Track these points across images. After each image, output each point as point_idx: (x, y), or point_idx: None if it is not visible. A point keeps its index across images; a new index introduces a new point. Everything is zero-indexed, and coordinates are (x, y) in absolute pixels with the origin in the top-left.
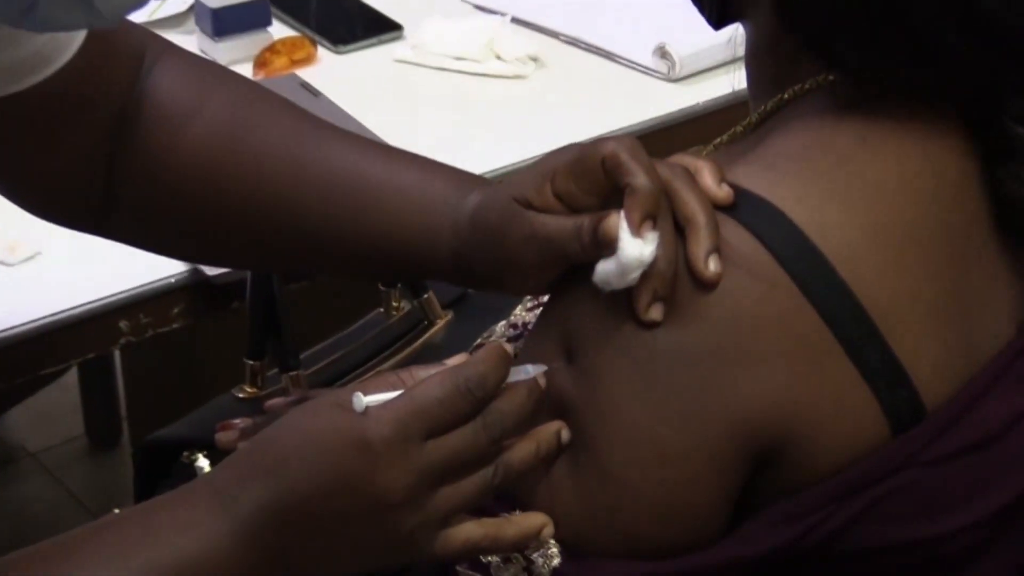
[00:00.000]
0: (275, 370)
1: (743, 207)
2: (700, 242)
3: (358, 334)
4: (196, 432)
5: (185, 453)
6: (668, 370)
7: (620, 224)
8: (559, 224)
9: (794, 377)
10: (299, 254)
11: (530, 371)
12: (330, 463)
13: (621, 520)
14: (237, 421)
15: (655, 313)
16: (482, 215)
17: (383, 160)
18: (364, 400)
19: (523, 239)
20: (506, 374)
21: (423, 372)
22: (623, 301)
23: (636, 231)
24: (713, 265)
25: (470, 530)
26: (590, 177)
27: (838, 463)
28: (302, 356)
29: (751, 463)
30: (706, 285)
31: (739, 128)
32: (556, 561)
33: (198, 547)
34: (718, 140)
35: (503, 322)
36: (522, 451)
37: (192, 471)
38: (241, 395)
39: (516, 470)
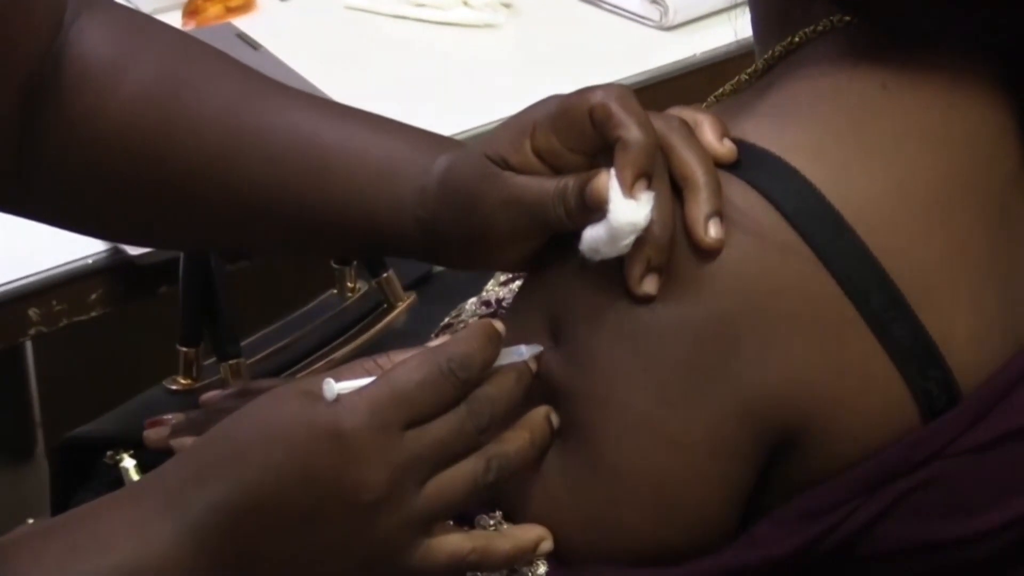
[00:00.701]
0: (212, 359)
1: (750, 164)
2: (700, 204)
3: (308, 318)
4: (121, 429)
5: (109, 453)
6: (668, 349)
7: (610, 184)
8: (540, 186)
9: (811, 356)
10: (243, 230)
11: (523, 352)
12: (296, 458)
13: (617, 519)
14: (168, 416)
15: (649, 286)
16: (452, 179)
17: (337, 121)
18: (336, 387)
19: (499, 204)
20: (495, 355)
21: (403, 356)
22: (615, 273)
23: (628, 191)
24: (714, 230)
25: (457, 543)
26: (575, 131)
27: (861, 453)
28: (243, 343)
29: (763, 453)
30: (707, 253)
31: (743, 77)
32: (543, 569)
33: (140, 553)
34: (719, 91)
35: (473, 299)
36: (516, 440)
37: (117, 473)
38: (173, 387)
39: (513, 463)
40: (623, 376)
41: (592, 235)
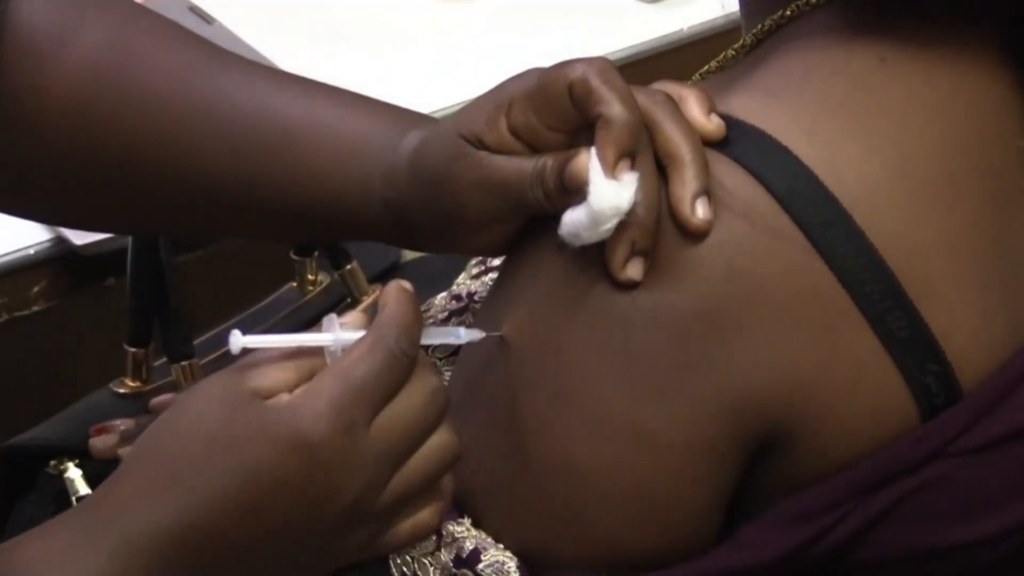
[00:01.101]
0: (163, 359)
1: (739, 142)
2: (686, 183)
3: (265, 314)
4: (66, 436)
5: (53, 462)
6: (647, 340)
7: (591, 164)
8: (517, 166)
9: (801, 348)
10: (195, 213)
11: (462, 336)
12: (257, 471)
13: (590, 524)
14: (116, 422)
15: (633, 270)
16: (423, 158)
17: (298, 95)
18: (242, 340)
19: (473, 185)
20: (418, 316)
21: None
22: (595, 258)
23: (611, 172)
24: (702, 210)
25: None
26: (554, 108)
27: (856, 453)
28: (196, 342)
29: (748, 452)
30: (693, 235)
31: (731, 52)
32: None
33: None
34: (705, 68)
35: (443, 293)
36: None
37: (61, 483)
38: (121, 390)
39: None
40: (596, 369)
41: (572, 219)
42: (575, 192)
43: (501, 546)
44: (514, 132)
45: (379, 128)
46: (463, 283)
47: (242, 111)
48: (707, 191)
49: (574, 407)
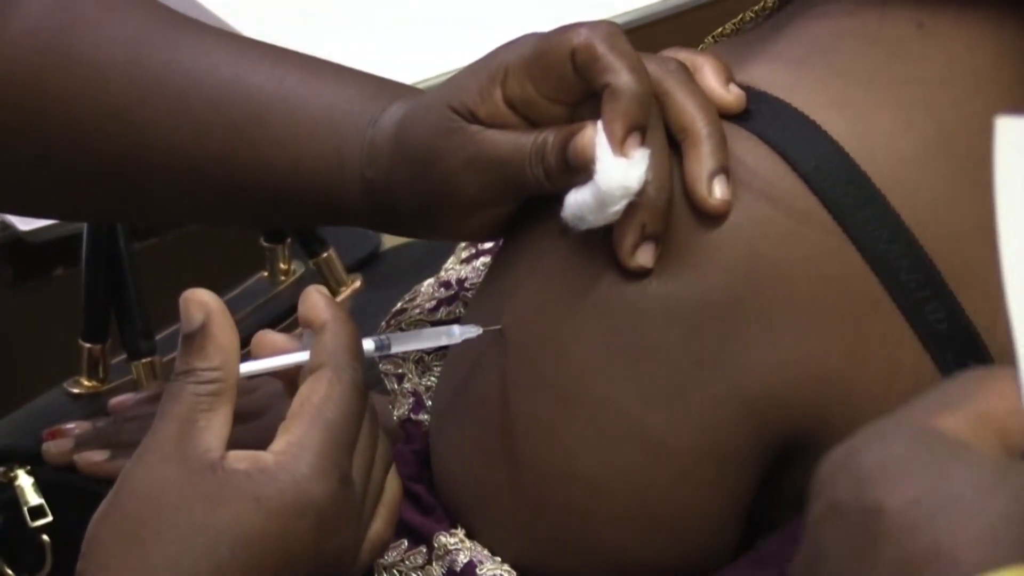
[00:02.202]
0: (121, 356)
1: (761, 115)
2: (702, 160)
3: (234, 307)
4: (15, 440)
5: (2, 468)
6: (659, 334)
7: (597, 140)
8: (514, 142)
9: (830, 342)
10: (150, 196)
11: (456, 333)
12: (262, 546)
13: (594, 536)
14: (71, 426)
15: (644, 257)
16: (408, 133)
17: (265, 63)
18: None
19: (464, 163)
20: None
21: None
22: (601, 244)
23: (619, 148)
24: (719, 190)
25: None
26: (554, 77)
27: None
28: (158, 337)
29: (770, 457)
30: (711, 218)
31: (749, 14)
32: None
33: None
34: (719, 30)
35: (430, 280)
36: None
37: (11, 492)
38: (76, 390)
39: None
40: (602, 366)
41: (577, 200)
42: (579, 171)
43: (498, 559)
44: (510, 104)
45: (356, 100)
46: (452, 268)
47: (202, 82)
48: (726, 169)
49: (577, 408)
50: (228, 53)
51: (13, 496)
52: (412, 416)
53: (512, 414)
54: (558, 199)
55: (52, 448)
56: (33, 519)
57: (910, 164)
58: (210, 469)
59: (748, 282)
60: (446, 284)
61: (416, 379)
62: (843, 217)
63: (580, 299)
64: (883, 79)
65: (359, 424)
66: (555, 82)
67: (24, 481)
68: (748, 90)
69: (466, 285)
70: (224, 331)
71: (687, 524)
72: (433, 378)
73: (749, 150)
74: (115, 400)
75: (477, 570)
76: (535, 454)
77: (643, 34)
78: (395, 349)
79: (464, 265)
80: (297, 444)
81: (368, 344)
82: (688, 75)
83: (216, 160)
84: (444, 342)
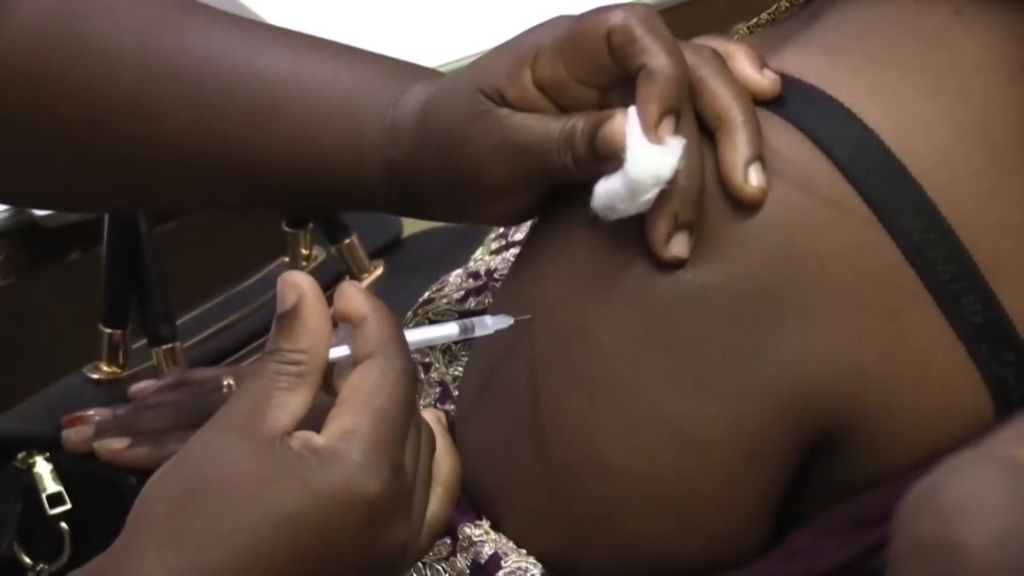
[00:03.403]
0: (142, 342)
1: (796, 103)
2: (737, 147)
3: (255, 293)
4: (34, 425)
5: (21, 454)
6: (693, 325)
7: (628, 126)
8: (542, 127)
9: (866, 335)
10: (165, 182)
11: (488, 325)
12: (310, 532)
13: (622, 529)
14: (91, 412)
15: (678, 247)
16: (434, 115)
17: (279, 46)
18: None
19: (491, 147)
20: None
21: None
22: (632, 233)
23: (653, 132)
24: (755, 178)
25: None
26: (588, 59)
27: (922, 453)
28: (179, 322)
29: (802, 451)
30: (746, 206)
31: (784, 3)
32: None
33: None
34: (755, 20)
35: (459, 271)
36: None
37: (29, 478)
38: (95, 375)
39: None
40: (633, 358)
41: (607, 189)
42: (610, 159)
43: (523, 551)
44: (540, 87)
45: (375, 81)
46: (481, 259)
47: (215, 67)
48: (761, 156)
49: (608, 400)
50: (241, 37)
51: (32, 483)
52: (438, 406)
53: (540, 405)
54: (587, 187)
55: (72, 435)
56: (52, 506)
57: (946, 153)
58: (270, 444)
59: (784, 272)
60: (475, 275)
61: (443, 368)
62: (879, 207)
63: (612, 289)
64: (919, 66)
65: (411, 413)
66: (589, 64)
67: (43, 467)
68: (784, 78)
69: (495, 276)
70: (314, 315)
71: (717, 517)
72: (460, 368)
73: (785, 139)
74: (135, 387)
75: (502, 562)
76: (563, 446)
77: (667, 19)
78: (420, 338)
79: (494, 256)
80: (350, 432)
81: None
82: (722, 63)
83: (230, 144)
84: (481, 334)
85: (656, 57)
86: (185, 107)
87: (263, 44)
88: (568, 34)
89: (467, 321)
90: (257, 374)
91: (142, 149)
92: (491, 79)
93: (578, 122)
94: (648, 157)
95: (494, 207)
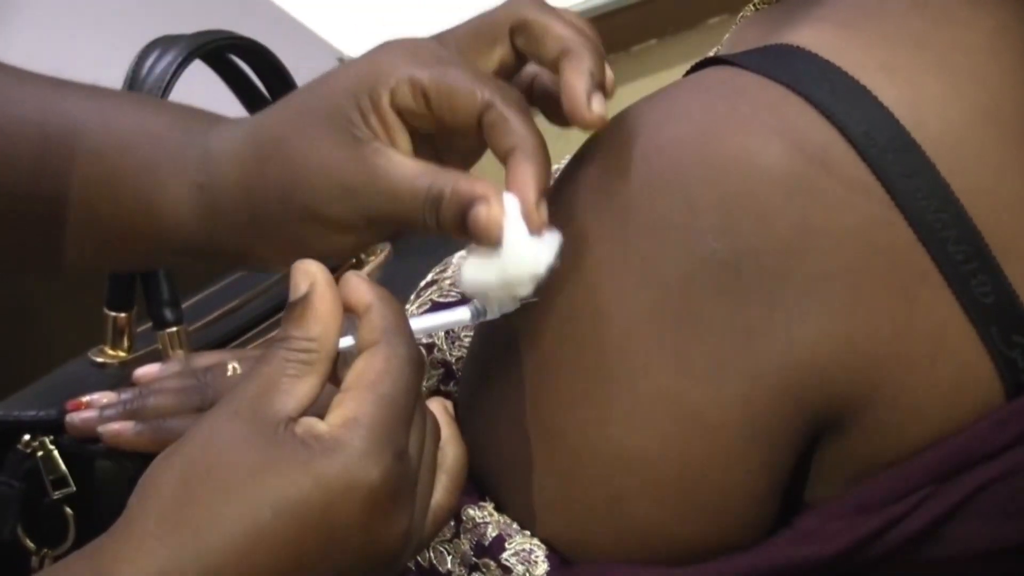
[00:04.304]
0: (147, 325)
1: (810, 79)
2: (582, 74)
3: (260, 276)
4: (38, 409)
5: (25, 438)
6: (707, 302)
7: (506, 216)
8: (409, 182)
9: (877, 313)
10: None
11: (468, 316)
12: (310, 517)
13: (629, 511)
14: (95, 396)
15: (598, 105)
16: (269, 129)
17: (84, 90)
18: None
19: (346, 186)
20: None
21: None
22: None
23: (533, 223)
24: (597, 105)
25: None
26: (453, 116)
27: (931, 435)
28: (184, 306)
29: (809, 433)
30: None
31: None
32: (542, 569)
33: None
34: None
35: (461, 252)
36: None
37: (32, 462)
38: (100, 359)
39: None
40: (643, 338)
41: (477, 276)
42: (481, 240)
43: (527, 533)
44: (398, 112)
45: (181, 113)
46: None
47: (12, 102)
48: (603, 86)
49: (615, 380)
50: (41, 81)
51: (35, 466)
52: (441, 387)
53: (548, 387)
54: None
55: (76, 419)
56: (55, 490)
57: (959, 132)
58: (273, 430)
59: (798, 250)
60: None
61: (446, 349)
62: (892, 185)
63: (624, 266)
64: (931, 44)
65: (415, 399)
66: (452, 120)
67: (47, 451)
68: (798, 51)
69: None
70: (325, 303)
71: (724, 500)
72: (463, 348)
73: (799, 115)
74: (140, 371)
75: (506, 544)
76: (571, 428)
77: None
78: (430, 324)
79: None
80: (352, 419)
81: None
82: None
83: (22, 173)
84: (488, 317)
85: (528, 139)
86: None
87: (62, 90)
88: (435, 85)
89: (477, 304)
90: (265, 360)
91: None
92: (353, 100)
93: (446, 188)
94: (527, 252)
95: (327, 242)
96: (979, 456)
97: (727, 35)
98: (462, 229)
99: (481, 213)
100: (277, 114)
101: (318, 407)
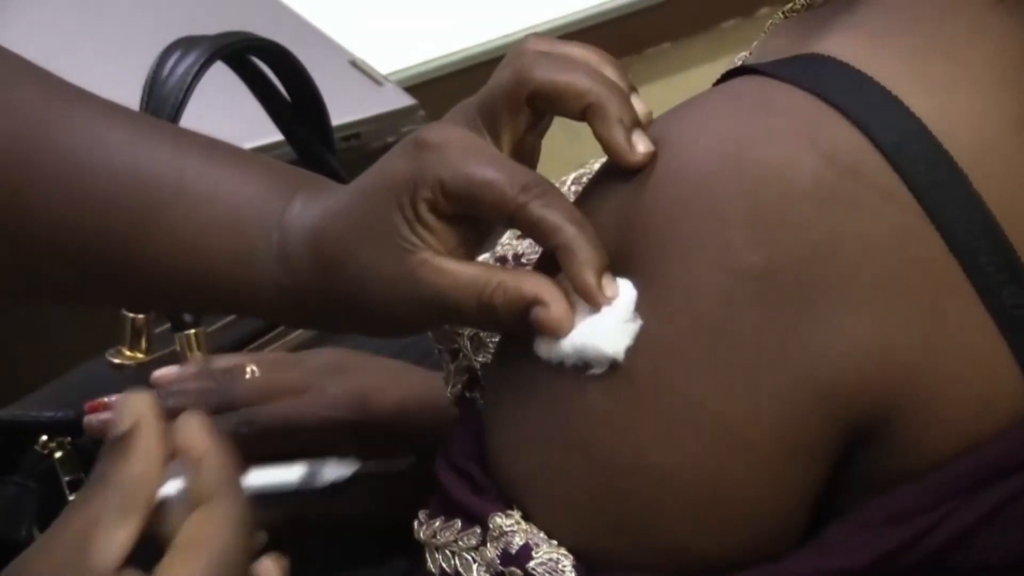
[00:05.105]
0: (165, 326)
1: (841, 87)
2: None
3: None
4: (56, 411)
5: (43, 439)
6: (744, 314)
7: (576, 310)
8: (458, 285)
9: (908, 324)
10: (47, 276)
11: (327, 477)
12: None
13: (660, 526)
14: (114, 398)
15: (642, 143)
16: (329, 242)
17: (166, 147)
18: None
19: (401, 296)
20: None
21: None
22: None
23: (602, 300)
24: (640, 145)
25: None
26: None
27: (959, 446)
28: None
29: (842, 444)
30: (787, 192)
31: None
32: None
33: None
34: (788, 6)
35: (485, 255)
36: None
37: (48, 463)
38: (118, 360)
39: None
40: (678, 352)
41: (552, 351)
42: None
43: (554, 542)
44: (437, 215)
45: (258, 195)
46: (508, 243)
47: (98, 164)
48: (638, 122)
49: (649, 396)
50: (124, 133)
51: (52, 467)
52: (467, 394)
53: (579, 399)
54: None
55: (94, 421)
56: (72, 491)
57: (990, 143)
58: None
59: (831, 260)
60: (502, 259)
61: (471, 356)
62: (924, 196)
63: (658, 279)
64: (963, 55)
65: (248, 563)
66: (495, 219)
67: (65, 452)
68: (828, 60)
69: (523, 260)
70: (148, 441)
71: (757, 517)
72: (488, 355)
73: (831, 125)
74: (158, 373)
75: (533, 553)
76: (600, 441)
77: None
78: (260, 483)
79: (521, 240)
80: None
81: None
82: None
83: (112, 244)
84: (322, 480)
85: (566, 230)
86: (65, 206)
87: (147, 143)
88: (465, 192)
89: (312, 466)
90: (82, 502)
91: (23, 241)
92: (399, 212)
93: (496, 297)
94: (599, 339)
95: (397, 332)
96: (1009, 467)
97: (755, 43)
98: (528, 331)
99: (540, 316)
100: (336, 226)
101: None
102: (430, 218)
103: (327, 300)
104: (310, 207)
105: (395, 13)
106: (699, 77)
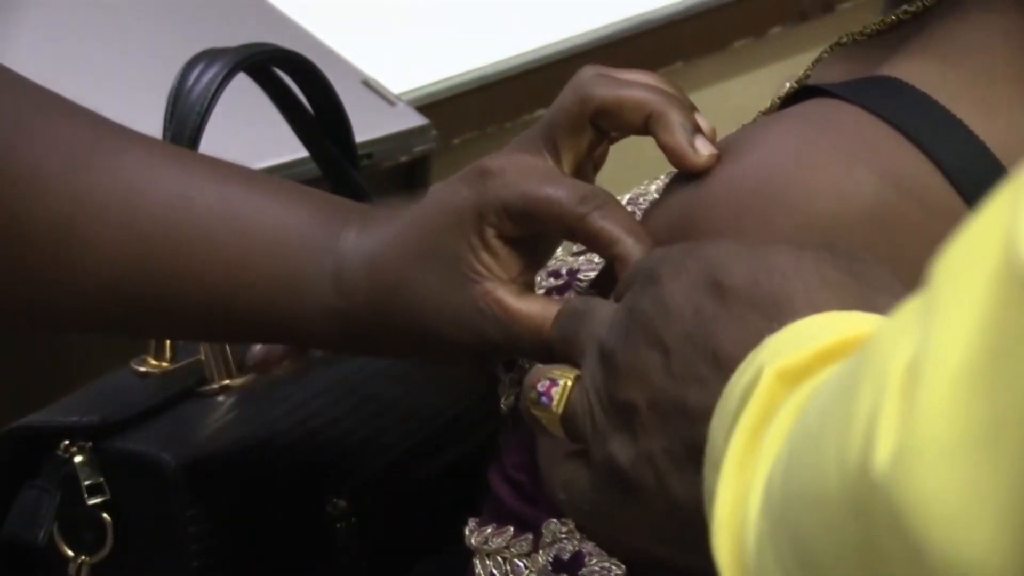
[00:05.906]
0: None
1: (908, 112)
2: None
3: None
4: (80, 416)
5: (64, 443)
6: None
7: None
8: (517, 309)
9: None
10: (95, 308)
11: None
12: None
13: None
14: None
15: (704, 147)
16: (388, 272)
17: (214, 182)
18: None
19: (470, 329)
20: None
21: None
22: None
23: None
24: (702, 148)
25: None
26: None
27: None
28: None
29: None
30: (848, 218)
31: (893, 17)
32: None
33: None
34: (837, 39)
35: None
36: None
37: (69, 467)
38: (142, 368)
39: None
40: None
41: None
42: None
43: (604, 553)
44: (501, 239)
45: (307, 225)
46: (562, 259)
47: (147, 198)
48: (699, 128)
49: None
50: (172, 168)
51: (73, 472)
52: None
53: None
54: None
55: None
56: (92, 496)
57: None
58: None
59: None
60: (555, 273)
61: (526, 367)
62: None
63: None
64: None
65: None
66: (559, 233)
67: (86, 457)
68: (896, 82)
69: (579, 276)
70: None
71: None
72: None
73: (894, 146)
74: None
75: (585, 561)
76: None
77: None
78: None
79: (576, 257)
80: None
81: None
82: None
83: (161, 276)
84: None
85: (625, 242)
86: (114, 236)
87: (195, 177)
88: (530, 211)
89: None
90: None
91: (70, 272)
92: (464, 241)
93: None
94: None
95: (449, 358)
96: None
97: (817, 65)
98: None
99: None
100: (395, 254)
101: None
102: (496, 244)
103: (380, 326)
104: (366, 234)
105: (407, 33)
106: (711, 97)
